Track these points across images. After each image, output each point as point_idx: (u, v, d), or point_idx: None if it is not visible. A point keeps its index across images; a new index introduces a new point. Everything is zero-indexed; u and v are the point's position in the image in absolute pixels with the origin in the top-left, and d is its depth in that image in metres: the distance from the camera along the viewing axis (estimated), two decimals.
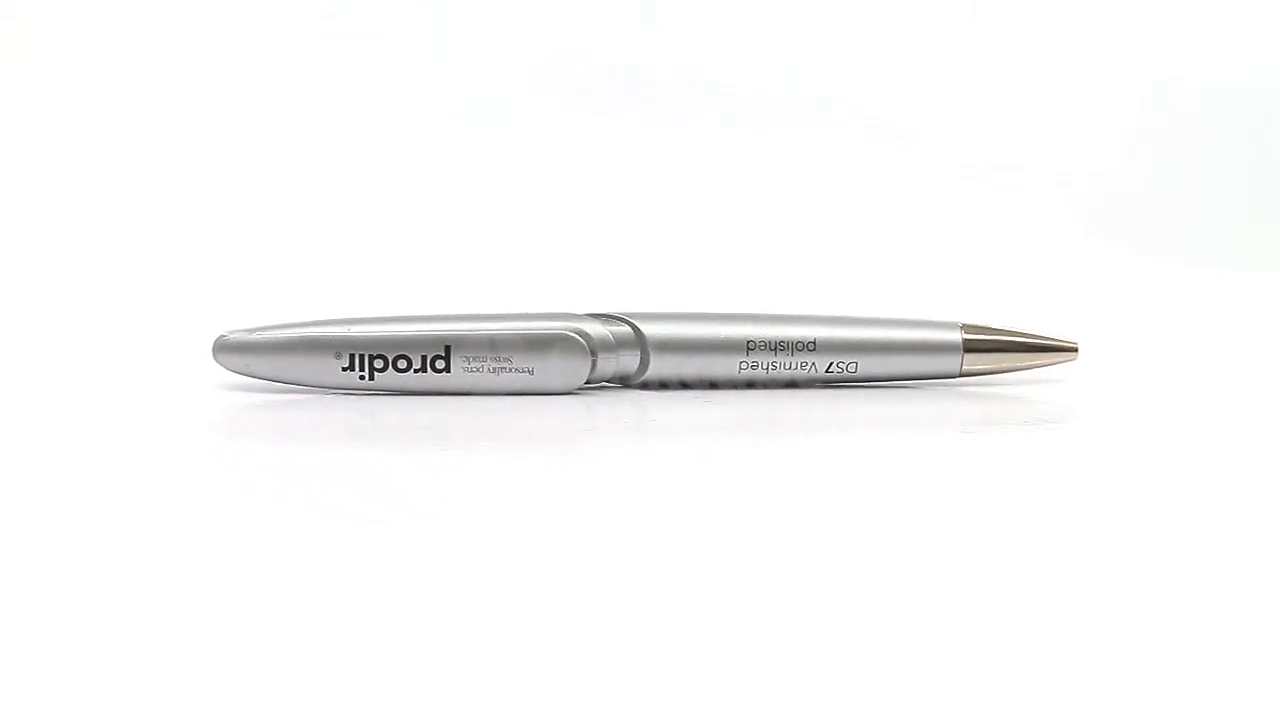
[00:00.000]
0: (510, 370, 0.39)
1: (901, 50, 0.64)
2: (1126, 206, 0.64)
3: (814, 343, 0.40)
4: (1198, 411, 0.41)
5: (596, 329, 0.40)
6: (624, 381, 0.40)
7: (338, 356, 0.39)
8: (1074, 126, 0.64)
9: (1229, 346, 0.52)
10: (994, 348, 0.41)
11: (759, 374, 0.40)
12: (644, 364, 0.40)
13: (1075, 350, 0.41)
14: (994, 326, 0.41)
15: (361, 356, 0.39)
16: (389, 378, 0.39)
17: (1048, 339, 0.41)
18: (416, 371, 0.39)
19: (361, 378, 0.39)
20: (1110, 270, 0.61)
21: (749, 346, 0.40)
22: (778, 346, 0.40)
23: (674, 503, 0.30)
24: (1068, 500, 0.31)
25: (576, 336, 0.39)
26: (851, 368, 0.40)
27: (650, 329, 0.40)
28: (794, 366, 0.40)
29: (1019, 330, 0.41)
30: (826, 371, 0.40)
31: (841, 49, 0.64)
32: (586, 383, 0.40)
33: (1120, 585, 0.25)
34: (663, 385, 0.40)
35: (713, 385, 0.40)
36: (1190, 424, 0.39)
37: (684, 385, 0.40)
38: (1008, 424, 0.40)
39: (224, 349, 0.39)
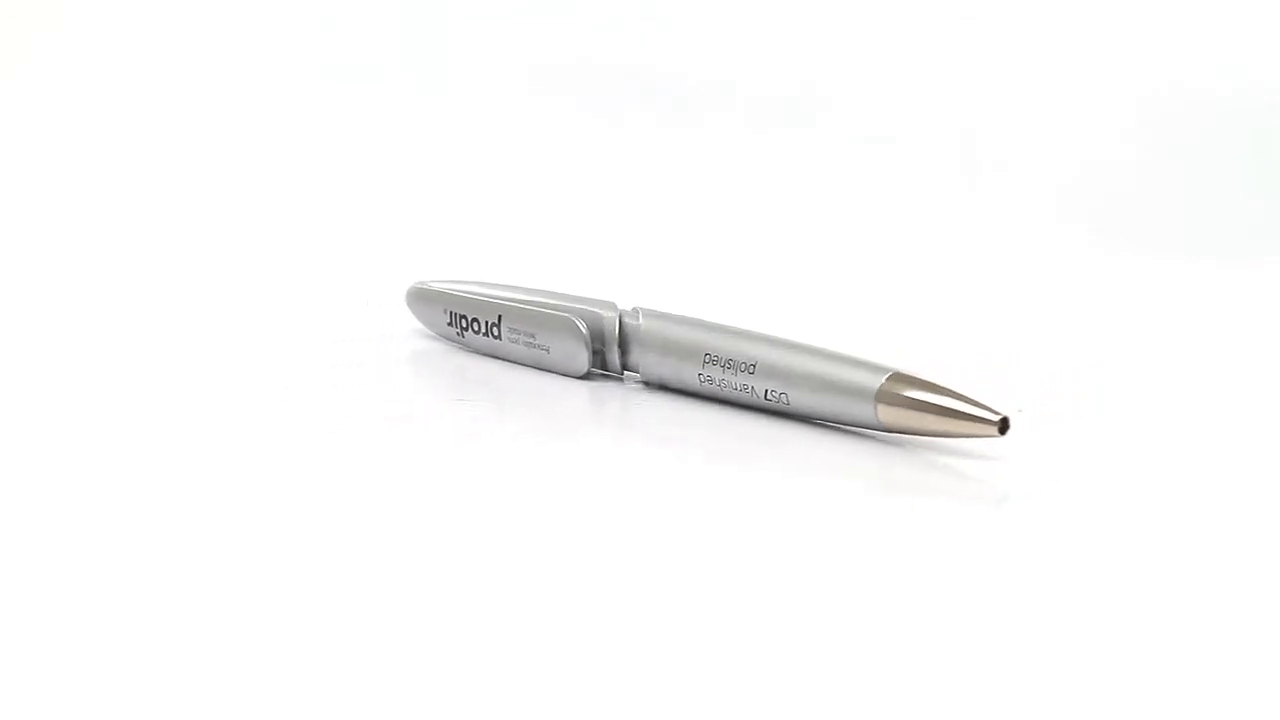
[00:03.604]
0: (535, 346, 0.42)
1: (908, 51, 0.64)
2: (1127, 207, 0.59)
3: (754, 365, 0.37)
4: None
5: (610, 320, 0.41)
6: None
7: (443, 313, 0.45)
8: (1075, 126, 0.62)
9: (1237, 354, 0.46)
10: (908, 404, 0.34)
11: (715, 389, 0.38)
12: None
13: (997, 425, 0.33)
14: (927, 380, 0.34)
15: (454, 314, 0.44)
16: (471, 337, 0.44)
17: (973, 407, 0.33)
18: (483, 335, 0.43)
19: (457, 333, 0.44)
20: (1110, 271, 0.55)
21: (705, 359, 0.38)
22: (725, 364, 0.38)
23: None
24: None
25: (576, 322, 0.41)
26: (783, 399, 0.37)
27: (646, 328, 0.40)
28: (737, 387, 0.38)
29: (952, 390, 0.34)
30: (765, 399, 0.37)
31: (842, 50, 0.64)
32: (598, 369, 0.41)
33: None
34: (663, 386, 0.40)
35: (699, 394, 0.39)
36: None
37: (684, 390, 0.40)
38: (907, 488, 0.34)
39: (408, 296, 0.47)
